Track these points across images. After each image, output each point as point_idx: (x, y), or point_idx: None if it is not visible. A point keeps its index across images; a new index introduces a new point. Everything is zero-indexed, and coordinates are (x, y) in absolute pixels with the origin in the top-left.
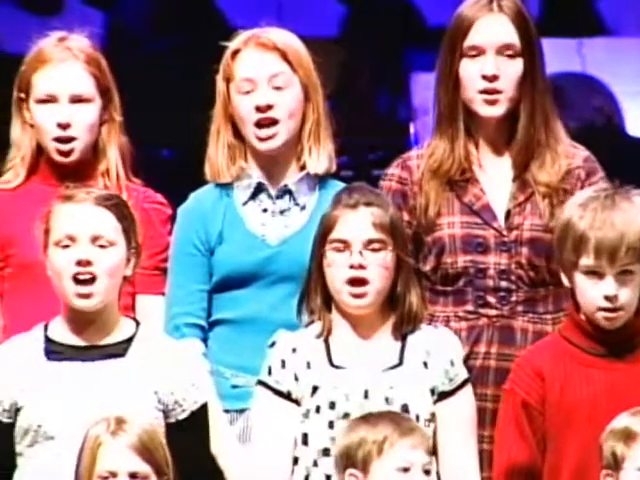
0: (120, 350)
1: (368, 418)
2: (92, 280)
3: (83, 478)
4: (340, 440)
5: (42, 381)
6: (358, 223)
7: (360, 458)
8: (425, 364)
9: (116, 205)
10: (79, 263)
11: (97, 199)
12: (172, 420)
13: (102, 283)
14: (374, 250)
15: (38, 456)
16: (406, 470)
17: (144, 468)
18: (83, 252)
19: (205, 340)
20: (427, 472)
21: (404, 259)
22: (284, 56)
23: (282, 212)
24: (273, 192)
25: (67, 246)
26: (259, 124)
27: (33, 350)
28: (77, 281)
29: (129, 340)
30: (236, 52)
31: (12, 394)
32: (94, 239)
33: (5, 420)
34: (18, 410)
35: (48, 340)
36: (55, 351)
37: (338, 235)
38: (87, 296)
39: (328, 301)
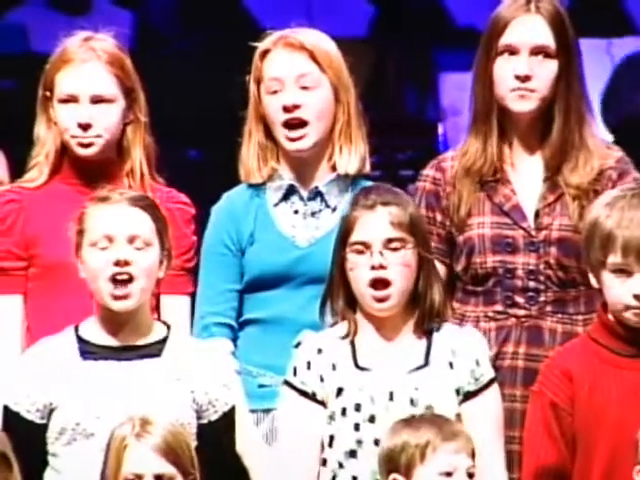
0: (155, 350)
1: (411, 421)
2: (129, 281)
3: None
4: (383, 443)
5: (78, 380)
6: (376, 223)
7: (403, 463)
8: (451, 364)
9: (150, 206)
10: (117, 263)
11: (132, 200)
12: (204, 421)
13: (139, 284)
14: (394, 249)
15: (76, 454)
16: (449, 475)
17: (169, 469)
18: (121, 252)
19: (235, 340)
20: (470, 475)
21: (425, 256)
22: (312, 56)
23: (313, 214)
24: (304, 194)
25: (104, 247)
26: (288, 125)
27: (67, 351)
28: (114, 282)
29: (163, 341)
30: (265, 52)
31: (46, 395)
32: (131, 239)
33: (38, 421)
34: (52, 411)
35: (81, 340)
36: (90, 351)
37: (357, 237)
38: (124, 297)
39: (351, 303)
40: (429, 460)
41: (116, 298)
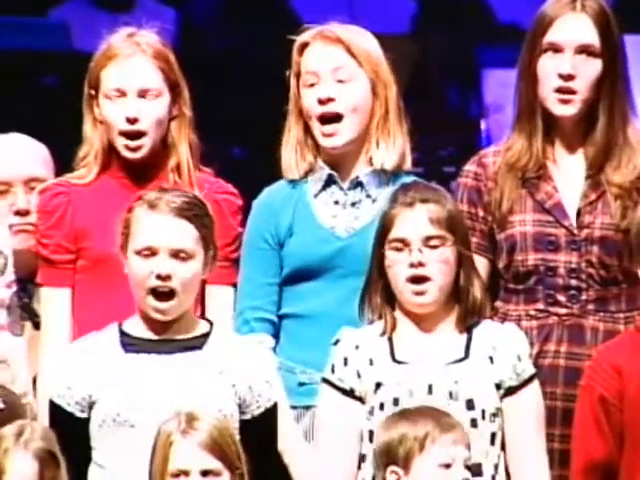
0: (197, 343)
1: (407, 414)
2: (170, 295)
3: (156, 476)
4: (379, 437)
5: (120, 372)
6: (415, 221)
7: (401, 455)
8: (491, 359)
9: (197, 215)
10: (159, 277)
11: (178, 210)
12: (247, 416)
13: (179, 298)
14: (433, 247)
15: (117, 446)
16: (448, 466)
17: (216, 465)
18: (163, 266)
19: (275, 334)
20: (468, 468)
21: (465, 253)
22: (348, 50)
23: (353, 204)
24: (344, 184)
25: (147, 257)
26: (323, 118)
27: (109, 344)
28: (155, 295)
29: (205, 335)
30: (303, 46)
31: (88, 387)
32: (174, 253)
33: (78, 414)
34: (92, 404)
35: (124, 334)
36: (131, 344)
37: (396, 234)
38: (163, 312)
39: (390, 299)
40: (428, 452)
41: (156, 312)
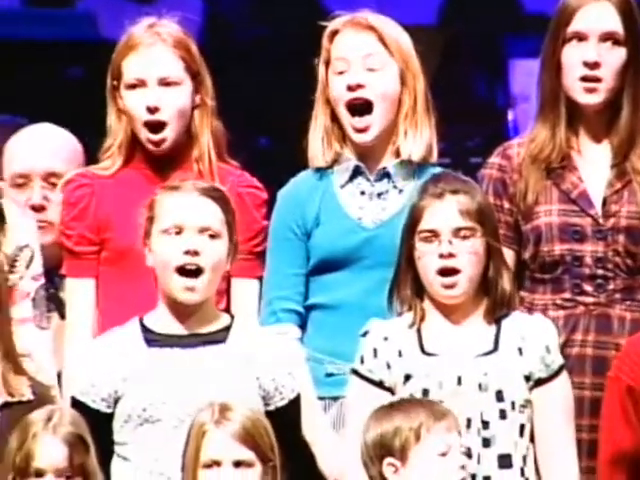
0: (220, 337)
1: (398, 406)
2: (197, 272)
3: (189, 466)
4: (371, 430)
5: (144, 367)
6: (445, 212)
7: (397, 446)
8: (520, 350)
9: (221, 198)
10: (187, 252)
11: (203, 190)
12: (271, 407)
13: (206, 276)
14: (463, 238)
15: (143, 440)
16: (444, 454)
17: (248, 455)
18: (191, 242)
19: (302, 325)
20: (467, 455)
21: (494, 245)
22: (380, 37)
23: (380, 195)
24: (372, 175)
25: (174, 235)
26: (352, 108)
27: (132, 339)
28: (182, 273)
29: (227, 328)
30: (334, 33)
31: (113, 383)
32: (202, 230)
33: (104, 410)
34: (118, 399)
35: (146, 330)
36: (154, 339)
37: (426, 225)
38: (191, 290)
39: (419, 291)
40: (424, 440)
41: (184, 290)
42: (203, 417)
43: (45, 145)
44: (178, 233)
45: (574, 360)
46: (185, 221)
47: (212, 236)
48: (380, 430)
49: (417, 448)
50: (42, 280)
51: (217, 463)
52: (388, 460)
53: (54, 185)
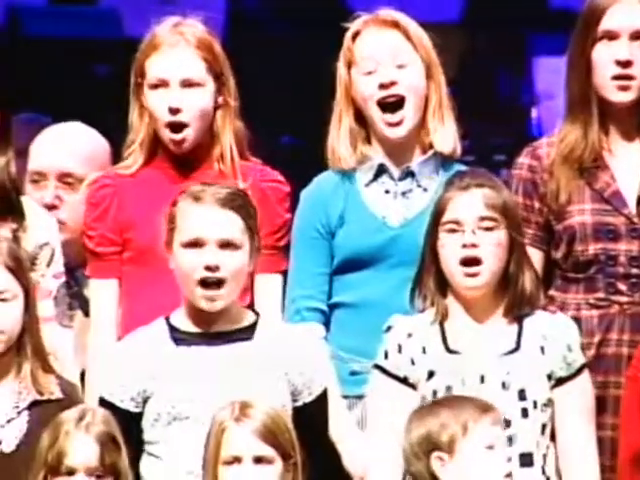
0: (246, 334)
1: (442, 402)
2: (219, 284)
3: (209, 463)
4: (415, 428)
5: (172, 366)
6: (470, 203)
7: (445, 440)
8: (542, 349)
9: (241, 205)
10: (208, 268)
11: (224, 201)
12: (299, 403)
13: (228, 287)
14: (487, 229)
15: (173, 438)
16: (491, 447)
17: (269, 452)
18: (212, 257)
19: (326, 323)
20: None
21: (517, 239)
22: (405, 33)
23: (404, 194)
24: (396, 173)
25: (194, 249)
26: (384, 104)
27: (159, 339)
28: (204, 285)
29: (253, 326)
30: (356, 34)
31: (141, 382)
32: (223, 244)
33: (133, 410)
34: (147, 398)
35: (173, 329)
36: (182, 338)
37: (450, 216)
38: (213, 299)
39: (442, 286)
40: (471, 434)
41: (206, 300)
42: (223, 415)
43: (63, 145)
44: (199, 246)
45: (610, 359)
46: (206, 235)
47: (233, 248)
48: (426, 426)
49: (464, 441)
50: (63, 278)
51: (238, 459)
52: (436, 454)
53: (69, 185)
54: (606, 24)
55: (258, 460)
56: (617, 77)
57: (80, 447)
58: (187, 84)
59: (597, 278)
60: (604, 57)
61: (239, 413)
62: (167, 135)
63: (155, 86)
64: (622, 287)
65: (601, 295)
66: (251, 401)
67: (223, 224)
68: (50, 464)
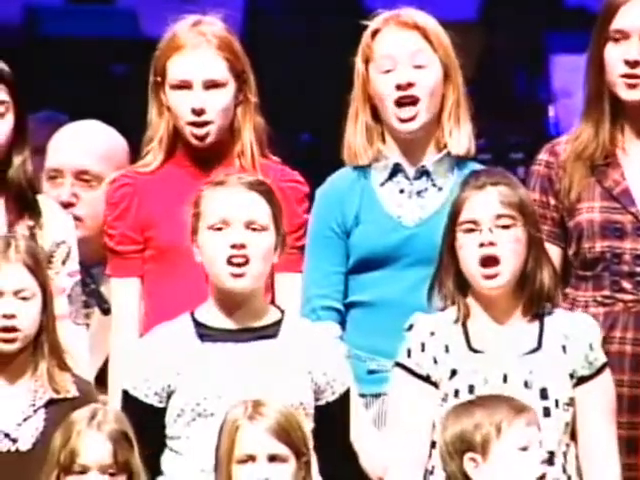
0: (271, 332)
1: (477, 401)
2: (245, 263)
3: (223, 461)
4: (451, 426)
5: (197, 362)
6: (486, 201)
7: (479, 441)
8: (564, 348)
9: (267, 191)
10: (234, 246)
11: (248, 184)
12: (322, 402)
13: (254, 266)
14: (504, 227)
15: (196, 435)
16: (525, 449)
17: (283, 450)
18: (238, 236)
19: (342, 322)
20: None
21: (535, 236)
22: (425, 35)
23: (419, 193)
24: (410, 172)
25: (220, 229)
26: (399, 103)
27: (185, 334)
28: (231, 264)
29: (278, 323)
30: (376, 32)
31: (166, 378)
32: (248, 223)
33: (156, 404)
34: (171, 393)
35: (198, 324)
36: (207, 334)
37: (467, 215)
38: (240, 276)
39: (462, 286)
40: (505, 435)
41: (233, 277)
42: (236, 413)
43: (80, 142)
44: (225, 228)
45: (613, 357)
46: (231, 215)
47: (259, 229)
48: (460, 426)
49: (498, 443)
50: (78, 277)
51: (252, 458)
52: (469, 455)
53: (86, 182)
54: (618, 23)
55: (272, 458)
56: (626, 76)
57: (92, 445)
58: (210, 85)
59: (603, 276)
60: (614, 56)
61: (252, 411)
62: (190, 130)
63: (177, 87)
64: (627, 285)
65: (607, 293)
66: (264, 399)
67: (248, 205)
68: (63, 463)
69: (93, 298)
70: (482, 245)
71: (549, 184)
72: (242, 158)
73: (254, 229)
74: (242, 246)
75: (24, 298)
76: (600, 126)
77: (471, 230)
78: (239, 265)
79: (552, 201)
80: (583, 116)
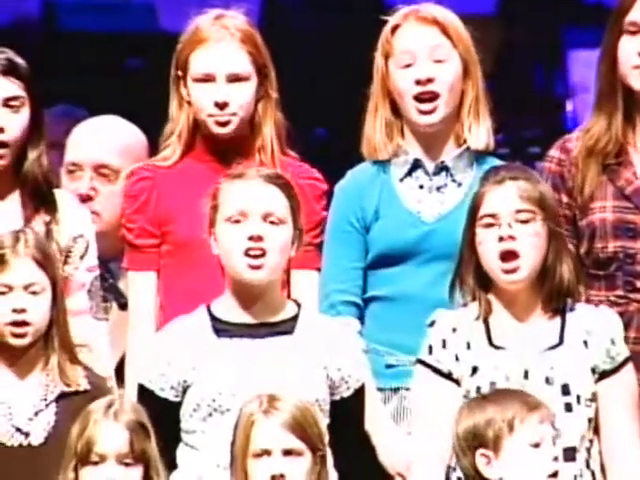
0: (288, 327)
1: (491, 397)
2: (262, 255)
3: (238, 456)
4: (463, 421)
5: (213, 357)
6: (505, 196)
7: (491, 437)
8: (585, 343)
9: (285, 185)
10: (251, 238)
11: (267, 177)
12: (337, 397)
13: (272, 258)
14: (523, 222)
15: (212, 430)
16: (537, 445)
17: (298, 445)
18: (255, 228)
19: (360, 317)
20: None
21: (555, 231)
22: (444, 30)
23: (438, 188)
24: (430, 168)
25: (238, 221)
26: (419, 98)
27: (201, 329)
28: (248, 255)
29: (294, 318)
30: (396, 27)
31: (182, 372)
32: (265, 216)
33: (172, 398)
34: (186, 388)
35: (214, 319)
36: (223, 329)
37: (486, 210)
38: (257, 267)
39: (483, 281)
40: (517, 432)
41: (250, 268)
42: (251, 407)
43: (100, 137)
44: (242, 220)
45: None
46: (249, 207)
47: (276, 222)
48: (473, 421)
49: (510, 439)
50: (97, 271)
51: (267, 452)
52: (481, 451)
53: (105, 176)
54: (632, 16)
55: (287, 453)
56: (639, 67)
57: (109, 434)
58: (233, 78)
59: (617, 276)
60: (628, 49)
61: (268, 406)
62: (212, 118)
63: (200, 80)
64: None
65: (620, 293)
66: (279, 394)
67: (266, 197)
68: (80, 453)
69: (111, 293)
70: (501, 239)
71: (561, 181)
72: (262, 153)
73: (272, 222)
74: (259, 238)
75: (34, 292)
76: (612, 118)
77: (490, 225)
78: (256, 257)
79: (564, 199)
80: (595, 109)
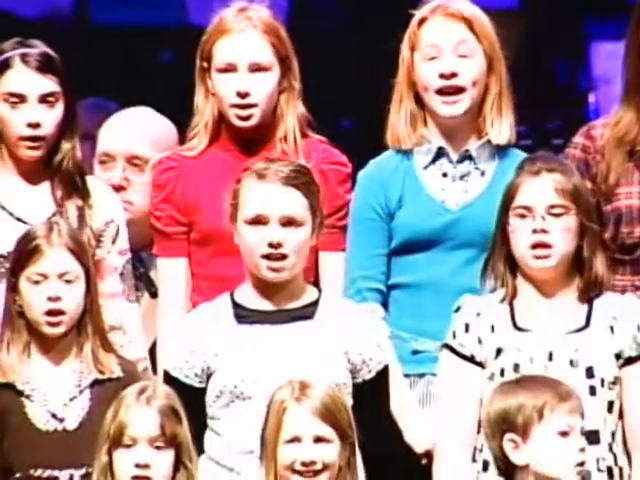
0: (308, 313)
1: (524, 383)
2: (282, 258)
3: (269, 442)
4: (495, 403)
5: (235, 344)
6: (540, 189)
7: (520, 423)
8: (612, 328)
9: (304, 183)
10: (271, 245)
11: (287, 179)
12: (359, 380)
13: (291, 260)
14: (557, 215)
15: (234, 416)
16: (565, 434)
17: (328, 432)
18: (274, 234)
19: (384, 304)
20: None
21: (588, 225)
22: (470, 26)
23: (462, 177)
24: (454, 156)
25: (257, 223)
26: (442, 91)
27: (223, 316)
28: (268, 258)
29: (314, 303)
30: (423, 20)
31: (205, 359)
32: (284, 221)
33: (196, 385)
34: (210, 375)
35: (236, 305)
36: (244, 315)
37: (521, 201)
38: (277, 270)
39: (512, 268)
40: (547, 420)
41: (270, 270)
42: (283, 394)
43: (132, 128)
44: (261, 224)
45: None
46: (268, 212)
47: (295, 225)
48: (504, 405)
49: (539, 427)
50: (129, 255)
51: (298, 439)
52: (509, 436)
53: (137, 167)
54: None
55: (318, 439)
56: None
57: (141, 418)
58: (255, 68)
59: None
60: None
61: (299, 393)
62: (234, 112)
63: (223, 70)
64: None
65: None
66: (310, 381)
67: (285, 202)
68: (112, 436)
69: (142, 282)
70: (535, 231)
71: (585, 168)
72: (284, 143)
73: (290, 225)
74: (279, 244)
75: (68, 281)
76: None
77: (524, 216)
78: (276, 259)
79: (588, 185)
80: (623, 102)
